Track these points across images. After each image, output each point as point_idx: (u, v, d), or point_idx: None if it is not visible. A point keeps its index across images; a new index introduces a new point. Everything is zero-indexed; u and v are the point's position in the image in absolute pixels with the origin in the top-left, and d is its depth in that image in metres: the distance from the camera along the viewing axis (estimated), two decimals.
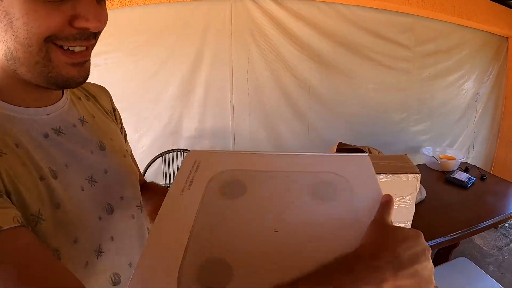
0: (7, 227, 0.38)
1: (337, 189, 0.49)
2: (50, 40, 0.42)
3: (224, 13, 2.19)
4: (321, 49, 2.34)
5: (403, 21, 2.44)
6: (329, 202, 0.47)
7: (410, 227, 1.24)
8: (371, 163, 0.53)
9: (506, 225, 3.14)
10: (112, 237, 0.57)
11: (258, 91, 2.35)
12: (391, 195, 0.47)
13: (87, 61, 0.49)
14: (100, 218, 0.55)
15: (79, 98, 0.64)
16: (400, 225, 1.20)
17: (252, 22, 2.23)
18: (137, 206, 0.66)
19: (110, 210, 0.57)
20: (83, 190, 0.53)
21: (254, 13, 2.21)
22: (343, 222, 0.44)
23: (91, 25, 0.44)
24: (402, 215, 1.21)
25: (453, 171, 2.14)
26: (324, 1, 2.24)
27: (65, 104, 0.57)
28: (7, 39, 0.42)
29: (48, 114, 0.53)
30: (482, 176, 2.11)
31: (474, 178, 2.03)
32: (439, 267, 1.58)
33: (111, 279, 0.56)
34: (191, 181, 0.50)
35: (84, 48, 0.47)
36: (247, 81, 2.33)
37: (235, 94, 2.35)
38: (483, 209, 1.73)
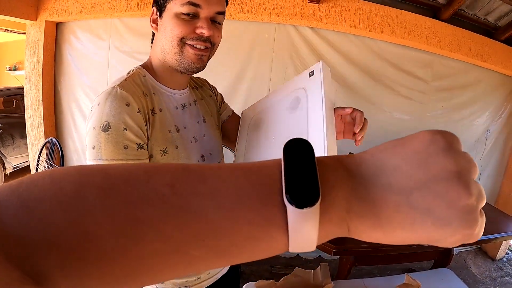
0: None
1: (300, 100, 0.78)
2: (184, 41, 0.76)
3: (269, 34, 2.55)
4: (347, 74, 2.64)
5: (423, 57, 2.68)
6: (295, 111, 0.78)
7: None
8: (322, 74, 0.75)
9: (504, 259, 3.21)
10: None
11: None
12: None
13: (204, 56, 0.79)
14: (198, 161, 0.87)
15: (192, 88, 0.97)
16: None
17: (291, 45, 2.57)
18: (217, 161, 0.96)
19: (203, 158, 0.89)
20: (191, 142, 0.85)
21: (293, 37, 2.56)
22: (298, 122, 0.75)
23: (204, 31, 0.76)
24: None
25: None
26: (354, 34, 2.55)
27: (188, 91, 0.91)
28: (162, 39, 0.78)
29: (180, 95, 0.87)
30: None
31: None
32: (420, 273, 1.68)
33: None
34: (244, 126, 0.99)
35: (203, 47, 0.78)
36: None
37: None
38: None
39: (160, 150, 0.76)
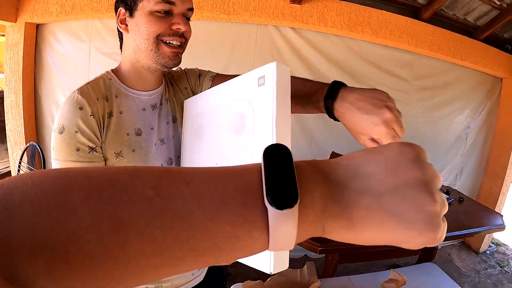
0: None
1: (246, 120, 0.58)
2: (160, 38, 0.76)
3: (250, 35, 2.55)
4: (329, 74, 2.66)
5: (404, 57, 2.73)
6: (240, 135, 0.60)
7: None
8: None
9: (488, 252, 3.30)
10: None
11: None
12: None
13: (180, 53, 0.80)
14: (162, 165, 0.83)
15: (167, 85, 0.93)
16: None
17: (273, 45, 2.58)
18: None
19: (170, 163, 0.86)
20: (155, 145, 0.82)
21: (275, 38, 2.57)
22: (242, 151, 0.59)
23: (181, 27, 0.77)
24: None
25: None
26: (336, 35, 2.58)
27: (160, 90, 0.88)
28: (136, 38, 0.77)
29: (149, 96, 0.85)
30: (460, 198, 2.31)
31: (452, 199, 2.23)
32: (405, 268, 1.73)
33: None
34: (186, 127, 0.87)
35: (178, 43, 0.78)
36: None
37: None
38: (452, 225, 1.81)
39: (114, 153, 0.76)
